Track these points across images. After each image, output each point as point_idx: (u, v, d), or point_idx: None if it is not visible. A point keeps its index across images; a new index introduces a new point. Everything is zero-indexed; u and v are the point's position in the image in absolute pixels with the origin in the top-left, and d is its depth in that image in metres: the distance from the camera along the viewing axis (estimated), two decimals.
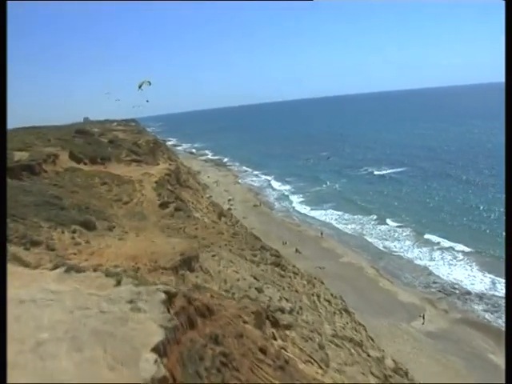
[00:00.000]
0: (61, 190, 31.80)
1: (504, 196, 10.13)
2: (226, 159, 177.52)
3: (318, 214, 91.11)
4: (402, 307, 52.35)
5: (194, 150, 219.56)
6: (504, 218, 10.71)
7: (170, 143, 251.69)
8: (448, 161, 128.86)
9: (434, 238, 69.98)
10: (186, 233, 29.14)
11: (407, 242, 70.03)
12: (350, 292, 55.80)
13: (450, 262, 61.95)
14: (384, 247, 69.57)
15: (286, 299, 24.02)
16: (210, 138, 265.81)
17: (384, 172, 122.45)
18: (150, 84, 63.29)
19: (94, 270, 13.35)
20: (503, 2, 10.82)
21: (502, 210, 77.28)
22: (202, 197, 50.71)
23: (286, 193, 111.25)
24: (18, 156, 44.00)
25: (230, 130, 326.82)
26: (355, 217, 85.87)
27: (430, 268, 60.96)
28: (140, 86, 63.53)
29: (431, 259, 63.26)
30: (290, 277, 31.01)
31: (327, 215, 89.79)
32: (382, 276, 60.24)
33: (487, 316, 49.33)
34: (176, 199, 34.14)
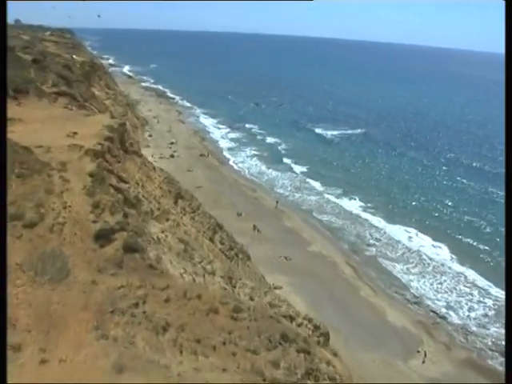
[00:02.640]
0: None
1: (504, 196, 9.72)
2: (168, 90, 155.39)
3: (275, 177, 75.53)
4: (394, 334, 39.01)
5: (132, 74, 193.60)
6: (504, 215, 9.85)
7: (106, 62, 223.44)
8: (401, 129, 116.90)
9: (412, 232, 57.17)
10: (150, 319, 12.76)
11: (383, 234, 56.39)
12: (328, 302, 42.01)
13: (440, 268, 49.14)
14: (357, 236, 55.60)
15: None
16: (155, 63, 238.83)
17: (339, 132, 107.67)
18: None
19: None
20: (503, 2, 9.68)
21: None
22: (154, 169, 33.08)
23: (237, 143, 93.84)
24: None
25: (178, 56, 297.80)
26: (317, 188, 71.06)
27: (416, 276, 47.82)
28: None
29: (419, 262, 50.10)
30: None
31: (285, 180, 74.36)
32: (362, 280, 46.46)
33: (498, 358, 37.24)
34: (124, 216, 16.98)
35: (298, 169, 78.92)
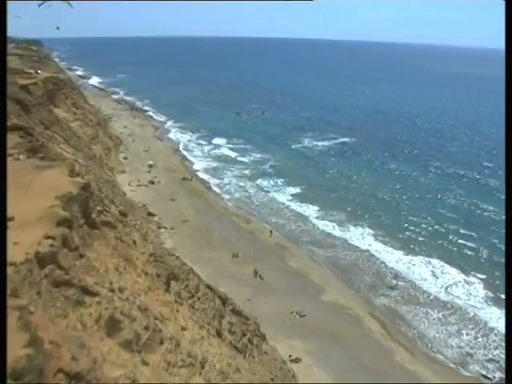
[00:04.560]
0: None
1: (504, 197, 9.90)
2: (142, 103, 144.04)
3: (266, 201, 66.02)
4: None
5: (103, 86, 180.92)
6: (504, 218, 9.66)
7: (75, 74, 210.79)
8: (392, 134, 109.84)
9: (435, 264, 48.77)
10: None
11: (404, 271, 47.65)
12: (359, 374, 33.25)
13: (481, 314, 40.63)
14: (375, 276, 46.63)
15: None
16: (126, 72, 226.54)
17: (326, 143, 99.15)
18: (71, 6, 46.66)
19: None
20: (503, 2, 9.45)
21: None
22: (135, 243, 23.35)
23: (220, 162, 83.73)
24: None
25: (151, 64, 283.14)
26: (315, 213, 61.75)
27: (456, 326, 39.25)
28: (40, 5, 45.09)
29: (456, 308, 41.46)
30: None
31: (278, 205, 64.93)
32: (393, 338, 37.60)
33: None
34: None
35: (290, 190, 69.73)
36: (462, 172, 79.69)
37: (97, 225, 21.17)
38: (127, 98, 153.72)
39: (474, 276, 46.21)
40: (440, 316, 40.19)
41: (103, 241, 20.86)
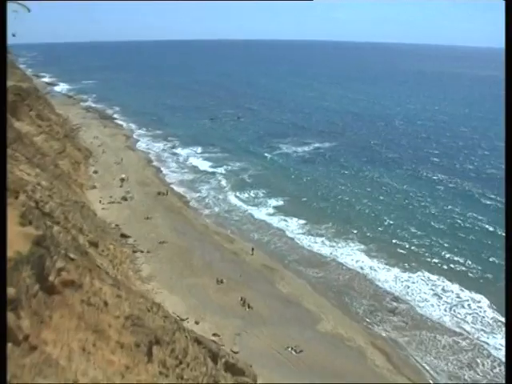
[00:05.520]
0: None
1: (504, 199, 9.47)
2: (112, 110, 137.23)
3: (247, 216, 60.97)
4: None
5: (72, 93, 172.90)
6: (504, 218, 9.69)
7: (43, 81, 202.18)
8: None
9: (436, 282, 44.97)
10: None
11: (403, 290, 43.71)
12: None
13: (497, 338, 36.84)
14: (372, 298, 42.45)
15: None
16: (96, 78, 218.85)
17: (305, 149, 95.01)
18: (28, 11, 45.04)
19: None
20: (503, 2, 9.49)
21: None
22: (106, 304, 18.32)
23: (197, 174, 78.40)
24: None
25: (119, 69, 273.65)
26: (300, 228, 57.23)
27: (470, 353, 35.30)
28: None
29: (467, 332, 37.53)
30: None
31: (259, 219, 60.30)
32: (402, 373, 33.18)
33: None
34: None
35: (271, 203, 64.88)
36: (444, 176, 76.36)
37: (56, 288, 16.12)
38: (96, 105, 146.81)
39: (477, 293, 42.55)
40: (449, 342, 36.20)
41: (65, 309, 15.88)
